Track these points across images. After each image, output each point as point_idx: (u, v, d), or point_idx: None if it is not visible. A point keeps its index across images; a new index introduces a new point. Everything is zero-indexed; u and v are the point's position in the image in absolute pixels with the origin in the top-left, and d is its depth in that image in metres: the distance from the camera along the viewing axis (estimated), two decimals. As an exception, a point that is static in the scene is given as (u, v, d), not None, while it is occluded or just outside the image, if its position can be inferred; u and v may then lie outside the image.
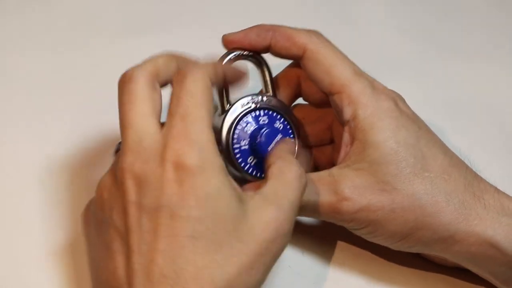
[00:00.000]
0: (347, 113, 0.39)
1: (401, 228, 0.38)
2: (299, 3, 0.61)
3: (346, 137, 0.40)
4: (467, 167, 0.40)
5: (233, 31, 0.42)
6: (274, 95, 0.43)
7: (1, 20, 0.55)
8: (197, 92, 0.34)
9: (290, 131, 0.42)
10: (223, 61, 0.41)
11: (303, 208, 0.39)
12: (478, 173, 0.41)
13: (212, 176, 0.33)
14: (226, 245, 0.32)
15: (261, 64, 0.43)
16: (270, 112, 0.42)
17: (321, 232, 0.45)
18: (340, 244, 0.44)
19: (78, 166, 0.47)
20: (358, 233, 0.40)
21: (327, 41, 0.41)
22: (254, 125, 0.41)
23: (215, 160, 0.33)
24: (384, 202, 0.38)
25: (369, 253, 0.44)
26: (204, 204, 0.32)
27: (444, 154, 0.40)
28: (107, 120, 0.49)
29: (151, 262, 0.31)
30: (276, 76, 0.44)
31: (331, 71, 0.40)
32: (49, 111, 0.50)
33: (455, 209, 0.38)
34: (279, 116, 0.42)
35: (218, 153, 0.34)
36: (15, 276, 0.41)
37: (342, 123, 0.40)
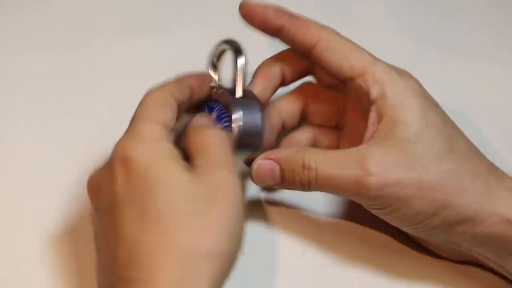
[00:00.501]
0: (374, 91, 0.40)
1: (427, 207, 0.38)
2: (299, 3, 0.60)
3: (373, 116, 0.40)
4: (484, 156, 0.41)
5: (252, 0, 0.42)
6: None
7: (1, 20, 0.55)
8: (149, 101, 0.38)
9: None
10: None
11: (328, 182, 0.39)
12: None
13: (157, 160, 0.34)
14: (203, 215, 0.33)
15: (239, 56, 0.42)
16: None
17: (321, 232, 0.45)
18: (341, 244, 0.44)
19: (78, 166, 0.47)
20: (380, 213, 0.40)
21: (339, 33, 0.42)
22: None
23: (158, 145, 0.35)
24: (412, 179, 0.38)
25: (369, 253, 0.44)
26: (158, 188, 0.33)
27: (466, 140, 0.41)
28: (107, 120, 0.50)
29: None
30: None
31: (350, 55, 0.41)
32: (49, 111, 0.50)
33: (479, 189, 0.38)
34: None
35: (161, 137, 0.35)
36: (15, 276, 0.41)
37: (365, 108, 0.41)
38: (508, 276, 0.41)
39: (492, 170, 0.40)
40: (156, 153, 0.35)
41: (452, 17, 0.62)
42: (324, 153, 0.40)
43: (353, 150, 0.39)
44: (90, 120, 0.49)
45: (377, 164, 0.38)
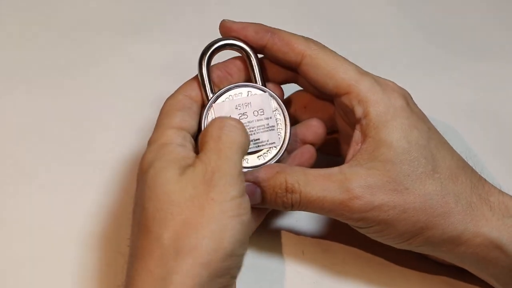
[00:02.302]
0: (358, 111, 0.40)
1: (411, 228, 0.38)
2: (299, 3, 0.61)
3: (357, 134, 0.40)
4: (472, 169, 0.41)
5: (233, 20, 0.41)
6: (264, 85, 0.42)
7: (1, 20, 0.55)
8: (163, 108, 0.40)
9: None
10: (210, 48, 0.41)
11: (312, 204, 0.39)
12: (479, 174, 0.41)
13: (153, 165, 0.36)
14: (186, 215, 0.34)
15: (248, 56, 0.42)
16: None
17: (321, 231, 0.45)
18: (341, 243, 0.44)
19: (77, 166, 0.47)
20: (363, 231, 0.40)
21: (325, 47, 0.41)
22: None
23: (160, 151, 0.36)
24: (396, 202, 0.38)
25: (369, 253, 0.44)
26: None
27: (452, 156, 0.40)
28: (106, 120, 0.50)
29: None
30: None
31: (334, 73, 0.40)
32: (49, 111, 0.50)
33: (463, 210, 0.38)
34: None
35: (170, 141, 0.37)
36: (15, 276, 0.41)
37: (352, 122, 0.41)
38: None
39: (477, 186, 0.40)
40: (154, 158, 0.36)
41: (453, 17, 0.62)
42: (306, 173, 0.39)
43: (336, 170, 0.39)
44: (89, 119, 0.49)
45: (361, 187, 0.38)
